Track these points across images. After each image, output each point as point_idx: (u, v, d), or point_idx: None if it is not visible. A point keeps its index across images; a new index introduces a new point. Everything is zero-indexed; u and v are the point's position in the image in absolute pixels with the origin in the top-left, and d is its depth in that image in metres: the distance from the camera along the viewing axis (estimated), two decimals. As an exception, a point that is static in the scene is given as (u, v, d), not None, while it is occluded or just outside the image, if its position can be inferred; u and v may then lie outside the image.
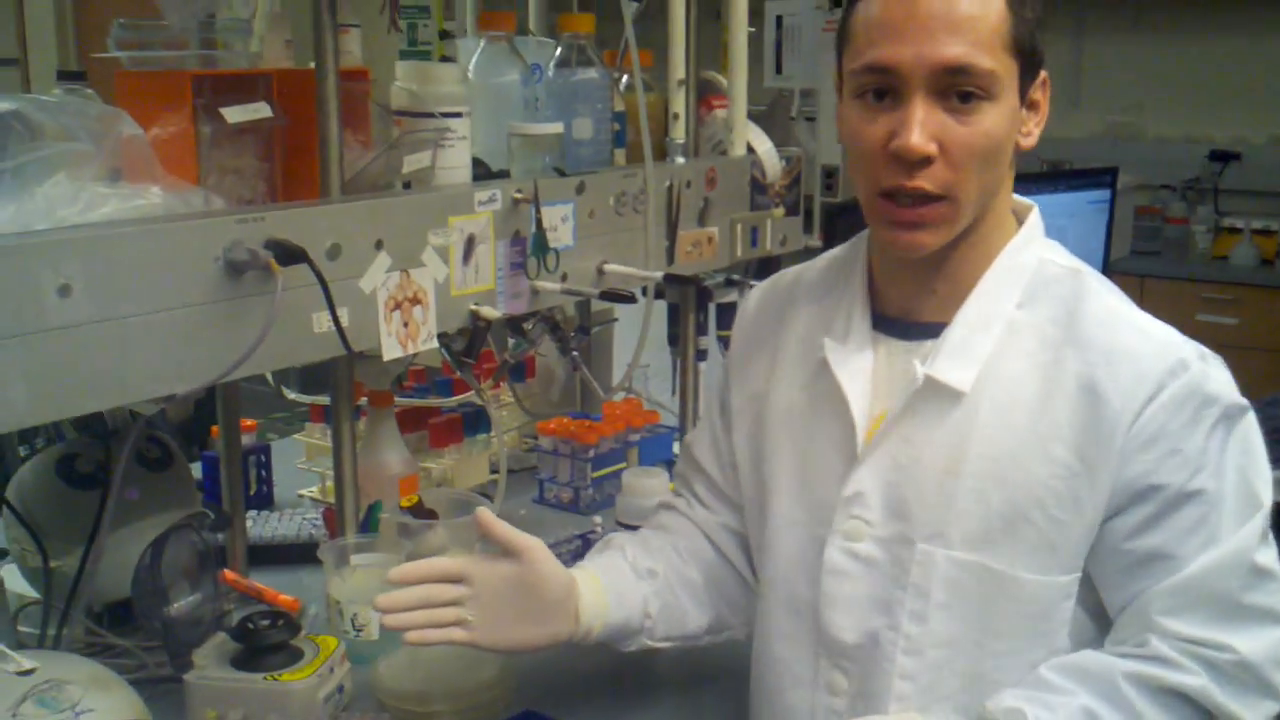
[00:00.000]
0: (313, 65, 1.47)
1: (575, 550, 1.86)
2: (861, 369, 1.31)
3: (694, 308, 2.14)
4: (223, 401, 1.69)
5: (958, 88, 1.17)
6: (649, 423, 2.25)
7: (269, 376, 1.94)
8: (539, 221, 1.65)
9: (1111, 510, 1.21)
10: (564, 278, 1.71)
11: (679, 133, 1.94)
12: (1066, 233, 2.91)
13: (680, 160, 1.94)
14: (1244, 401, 1.24)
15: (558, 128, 1.75)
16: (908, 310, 1.32)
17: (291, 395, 2.04)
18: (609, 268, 1.78)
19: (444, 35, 2.32)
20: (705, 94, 2.10)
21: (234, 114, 1.43)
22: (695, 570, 1.49)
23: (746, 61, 2.01)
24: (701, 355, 2.20)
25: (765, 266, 2.50)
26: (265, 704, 1.35)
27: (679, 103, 1.93)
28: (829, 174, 4.26)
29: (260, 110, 1.46)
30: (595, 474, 2.10)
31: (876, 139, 1.20)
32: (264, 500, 2.11)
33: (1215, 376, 1.23)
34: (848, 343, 1.33)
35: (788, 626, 1.35)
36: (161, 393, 1.25)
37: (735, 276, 2.19)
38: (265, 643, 1.40)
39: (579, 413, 2.27)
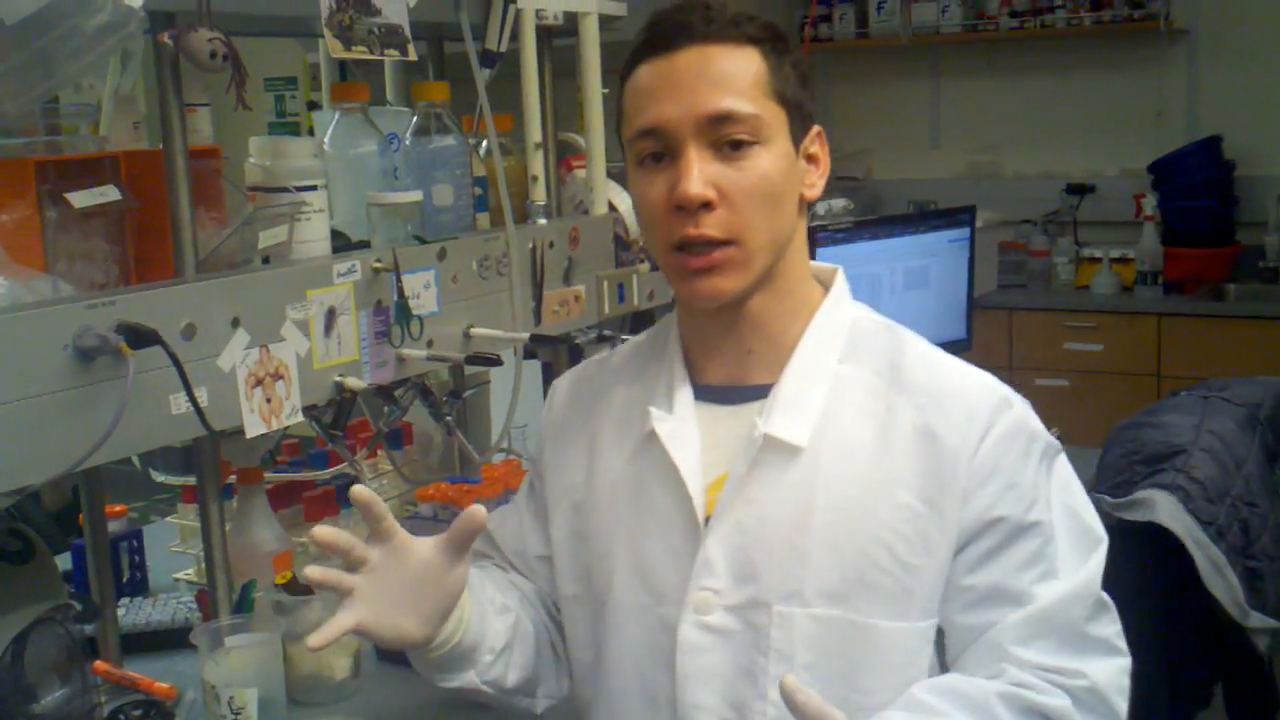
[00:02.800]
0: (161, 146, 1.46)
1: (457, 616, 1.85)
2: (690, 438, 1.30)
3: (566, 366, 2.15)
4: (86, 488, 1.66)
5: (727, 136, 1.22)
6: (528, 483, 2.25)
7: (135, 459, 1.90)
8: (400, 290, 1.65)
9: (958, 547, 1.24)
10: (430, 344, 1.71)
11: (539, 194, 1.96)
12: (930, 271, 2.99)
13: (542, 221, 1.96)
14: (1057, 442, 1.30)
15: (416, 196, 1.76)
16: (726, 375, 1.33)
17: (159, 478, 2.00)
18: (476, 331, 1.79)
19: (312, 106, 2.32)
20: (565, 155, 2.14)
21: (80, 199, 1.41)
22: (526, 623, 1.42)
23: (603, 121, 2.04)
24: (577, 412, 2.21)
25: (638, 321, 2.53)
26: (138, 797, 1.32)
27: (537, 165, 1.96)
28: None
29: (108, 194, 1.44)
30: (476, 538, 2.09)
31: (659, 197, 1.25)
32: (138, 586, 2.06)
33: (1032, 416, 1.29)
34: (673, 412, 1.32)
35: (644, 715, 1.31)
36: (13, 486, 1.23)
37: (606, 332, 2.21)
38: (136, 734, 1.37)
39: (458, 477, 2.26)
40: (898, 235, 2.94)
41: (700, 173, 1.21)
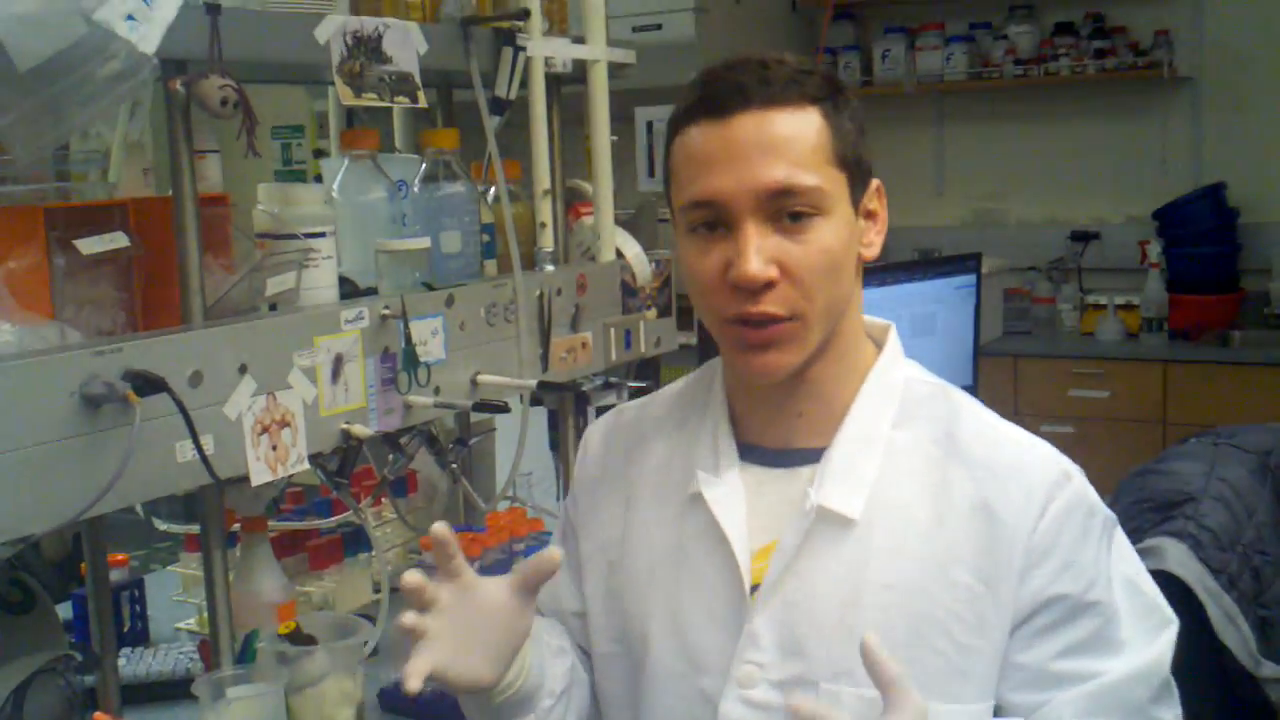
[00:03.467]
0: (170, 193, 1.46)
1: (462, 666, 1.83)
2: (737, 502, 1.25)
3: (573, 412, 2.14)
4: (88, 537, 1.64)
5: (787, 209, 1.16)
6: (533, 531, 2.23)
7: (139, 508, 1.89)
8: (408, 337, 1.65)
9: (1014, 625, 1.19)
10: (437, 391, 1.70)
11: (547, 241, 1.96)
12: (937, 318, 2.99)
13: (550, 268, 1.95)
14: (1112, 514, 1.25)
15: (424, 243, 1.76)
16: (774, 437, 1.27)
17: (163, 526, 1.99)
18: (483, 378, 1.78)
19: (318, 154, 2.33)
20: (573, 201, 2.14)
21: (89, 245, 1.41)
22: (583, 669, 1.39)
23: (611, 168, 2.05)
24: (583, 460, 2.20)
25: (645, 368, 2.53)
26: None
27: (545, 212, 1.96)
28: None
29: (117, 240, 1.44)
30: (481, 586, 2.07)
31: (714, 270, 1.19)
32: (139, 636, 2.05)
33: (1090, 489, 1.23)
34: (719, 474, 1.27)
35: None
36: (17, 535, 1.21)
37: (613, 379, 2.20)
38: (137, 788, 1.35)
39: (462, 525, 2.24)
40: (904, 282, 2.94)
41: (760, 250, 1.16)
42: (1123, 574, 1.22)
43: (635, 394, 2.49)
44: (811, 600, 1.19)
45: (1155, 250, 4.73)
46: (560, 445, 2.16)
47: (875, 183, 1.26)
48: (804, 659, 1.19)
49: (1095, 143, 5.04)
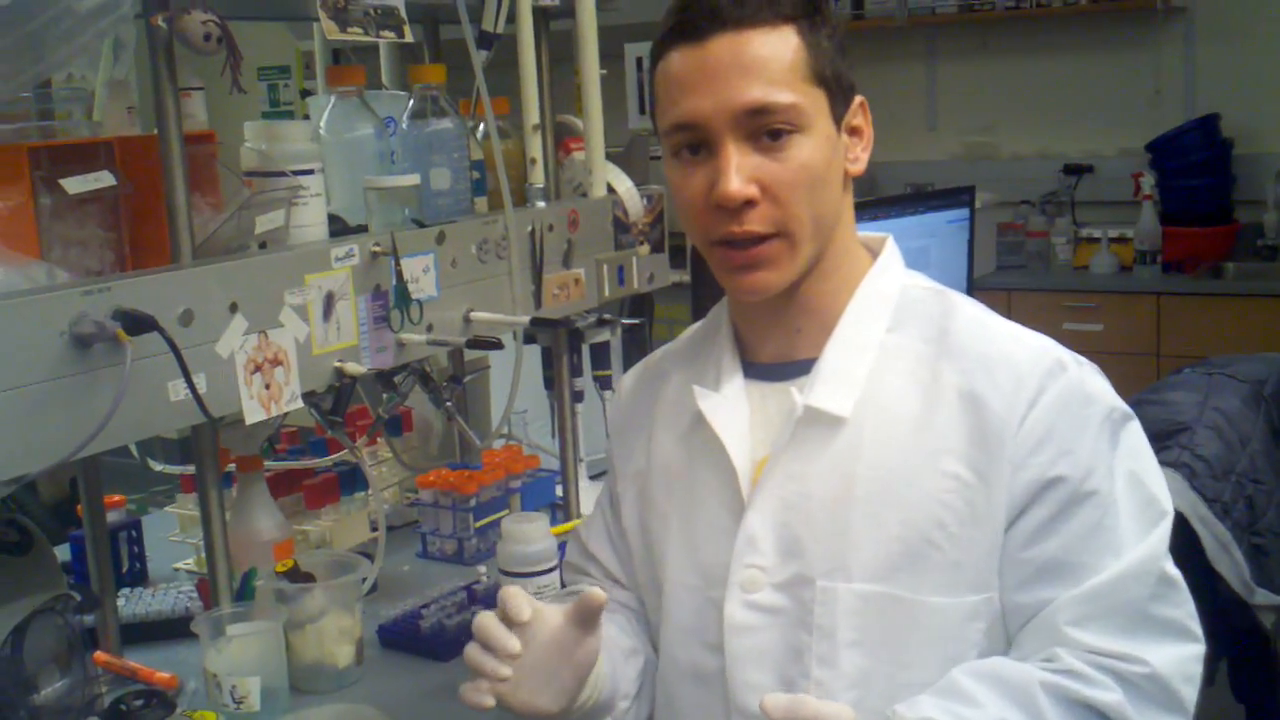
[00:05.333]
0: (156, 130, 1.45)
1: (460, 602, 1.84)
2: (737, 413, 1.28)
3: (566, 350, 2.14)
4: (84, 479, 1.64)
5: (765, 128, 1.18)
6: (529, 468, 2.24)
7: (133, 449, 1.89)
8: (399, 274, 1.64)
9: (1011, 518, 1.18)
10: (430, 328, 1.70)
11: (537, 177, 1.94)
12: (930, 252, 2.98)
13: (541, 204, 1.94)
14: (1126, 408, 1.23)
15: (414, 179, 1.74)
16: (774, 352, 1.30)
17: (158, 467, 1.99)
18: (475, 315, 1.78)
19: (306, 94, 2.31)
20: (563, 137, 2.12)
21: (74, 184, 1.40)
22: (653, 657, 1.39)
23: (601, 103, 2.02)
24: (578, 397, 2.20)
25: (638, 304, 2.52)
26: (142, 787, 1.31)
27: (535, 147, 1.94)
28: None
29: (102, 179, 1.43)
30: (478, 524, 2.08)
31: (698, 192, 1.21)
32: (138, 577, 2.05)
33: (1092, 380, 1.22)
34: (720, 390, 1.30)
35: (694, 701, 1.28)
36: (10, 475, 1.21)
37: (607, 316, 2.19)
38: (139, 724, 1.36)
39: (458, 463, 2.25)
40: (897, 216, 2.92)
41: (739, 169, 1.17)
42: (1128, 469, 1.20)
43: (629, 331, 2.49)
44: (806, 500, 1.21)
45: (1149, 183, 4.71)
46: (555, 383, 2.15)
47: (859, 99, 1.26)
48: (801, 559, 1.21)
49: (1088, 75, 5.00)
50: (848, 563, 1.19)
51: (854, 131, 1.27)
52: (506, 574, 1.71)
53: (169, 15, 1.39)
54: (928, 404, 1.21)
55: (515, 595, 1.22)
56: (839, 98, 1.23)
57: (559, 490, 2.22)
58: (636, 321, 2.49)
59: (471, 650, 1.23)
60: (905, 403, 1.21)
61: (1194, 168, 4.64)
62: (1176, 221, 4.64)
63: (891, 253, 1.32)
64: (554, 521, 2.10)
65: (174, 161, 1.44)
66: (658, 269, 2.18)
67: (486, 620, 1.22)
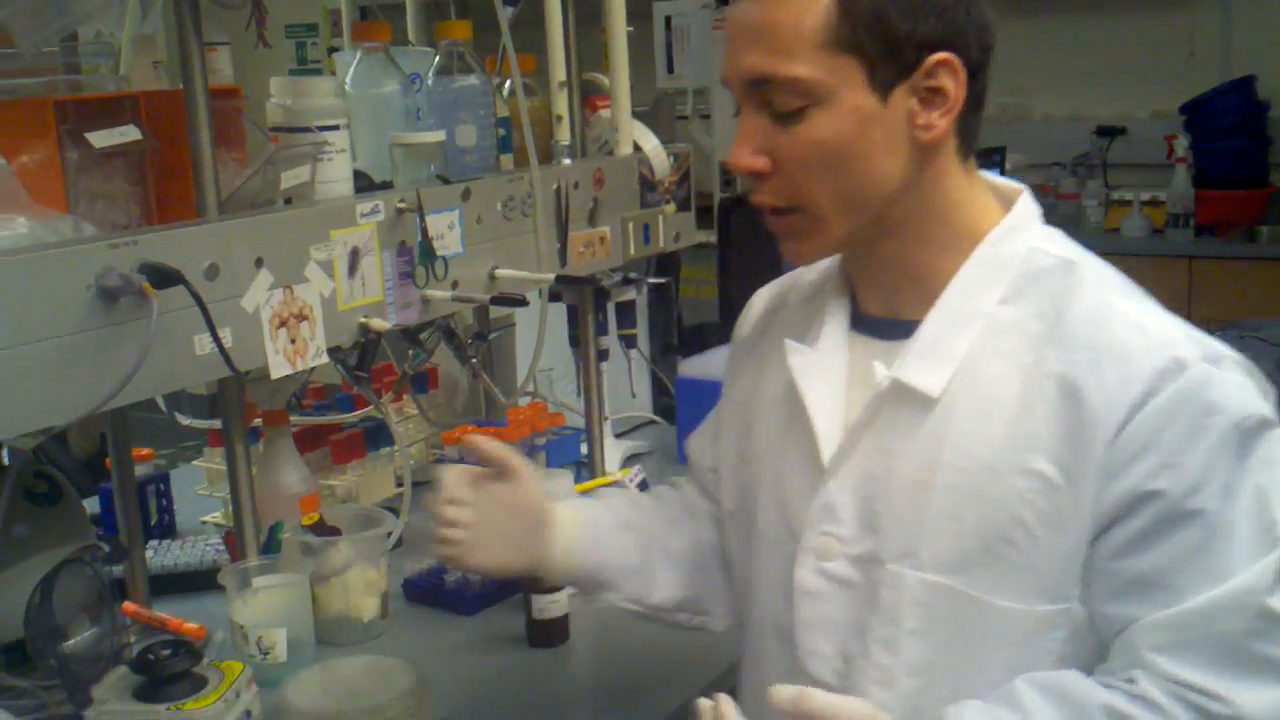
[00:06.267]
0: (181, 85, 1.45)
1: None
2: (829, 373, 1.20)
3: (592, 308, 2.14)
4: (112, 432, 1.66)
5: (768, 98, 1.10)
6: (554, 425, 2.25)
7: (161, 403, 1.91)
8: (424, 230, 1.64)
9: (1099, 528, 1.07)
10: (455, 285, 1.70)
11: (563, 134, 1.94)
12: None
13: (566, 162, 1.94)
14: (1265, 413, 1.06)
15: (439, 136, 1.74)
16: (882, 307, 1.21)
17: (185, 421, 2.01)
18: (500, 273, 1.78)
19: (333, 52, 2.30)
20: (589, 95, 2.11)
21: (100, 139, 1.40)
22: (679, 541, 1.40)
23: (627, 60, 2.02)
24: (604, 355, 2.20)
25: (664, 263, 2.52)
26: (169, 735, 1.33)
27: (561, 105, 1.93)
28: (727, 170, 4.30)
29: (128, 134, 1.43)
30: (502, 481, 2.09)
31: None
32: (166, 529, 2.07)
33: (1224, 381, 1.06)
34: (818, 345, 1.22)
35: (772, 650, 1.24)
36: (37, 426, 1.23)
37: (632, 275, 2.19)
38: (166, 672, 1.37)
39: (483, 420, 2.26)
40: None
41: (749, 137, 1.12)
42: (1254, 484, 1.05)
43: (654, 289, 2.49)
44: (890, 477, 1.13)
45: (1182, 145, 4.65)
46: (580, 341, 2.16)
47: (938, 57, 1.09)
48: (877, 536, 1.14)
49: (1122, 36, 4.94)
50: (919, 550, 1.11)
51: (930, 93, 1.11)
52: (530, 530, 1.72)
53: (194, -31, 1.39)
54: (1026, 392, 1.09)
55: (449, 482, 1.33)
56: (889, 62, 1.09)
57: (584, 448, 2.23)
58: (662, 280, 2.49)
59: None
60: (1002, 388, 1.10)
61: (1228, 130, 4.58)
62: (1210, 184, 4.59)
63: (1024, 209, 1.18)
64: (579, 479, 2.11)
65: (199, 116, 1.44)
66: (684, 228, 2.17)
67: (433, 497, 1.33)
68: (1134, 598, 1.06)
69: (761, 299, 1.41)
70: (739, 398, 1.35)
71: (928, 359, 1.13)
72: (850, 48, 1.08)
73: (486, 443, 1.35)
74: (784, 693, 1.05)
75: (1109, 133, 4.93)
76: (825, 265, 1.31)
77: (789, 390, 1.23)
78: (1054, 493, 1.07)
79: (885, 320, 1.20)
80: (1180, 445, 1.04)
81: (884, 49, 1.09)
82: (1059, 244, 1.18)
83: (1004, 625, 1.09)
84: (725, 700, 1.09)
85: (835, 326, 1.23)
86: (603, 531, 1.36)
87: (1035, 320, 1.12)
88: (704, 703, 1.10)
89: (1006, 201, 1.19)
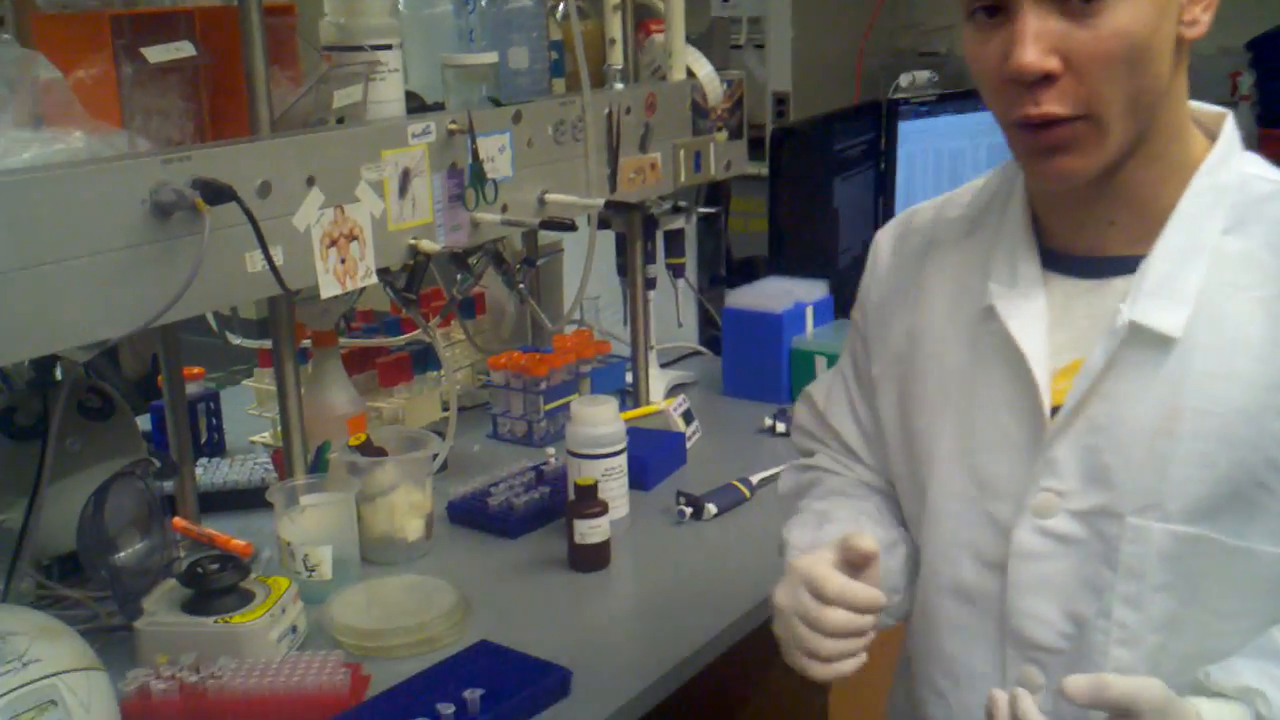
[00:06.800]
0: (236, 2, 1.44)
1: (529, 482, 1.86)
2: (1036, 316, 1.11)
3: (640, 236, 2.13)
4: (164, 348, 1.67)
5: None
6: (600, 353, 2.25)
7: (212, 322, 1.92)
8: (475, 153, 1.63)
9: None
10: (504, 209, 1.69)
11: (616, 58, 1.92)
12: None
13: (619, 86, 1.92)
14: None
15: (492, 57, 1.73)
16: (1082, 244, 1.12)
17: (236, 340, 2.02)
18: (550, 197, 1.77)
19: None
20: (643, 19, 2.08)
21: (155, 54, 1.40)
22: (906, 539, 1.28)
23: (683, -16, 1.99)
24: (651, 283, 2.20)
25: (714, 193, 2.50)
26: (217, 647, 1.35)
27: (615, 28, 1.92)
28: (780, 100, 4.25)
29: (183, 49, 1.43)
30: (547, 406, 2.10)
31: (992, 62, 1.02)
32: (216, 448, 2.10)
33: None
34: (1016, 286, 1.13)
35: (958, 618, 1.17)
36: (91, 339, 1.24)
37: (682, 203, 2.18)
38: (215, 586, 1.39)
39: (530, 346, 2.26)
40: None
41: (1038, 37, 0.98)
42: None
43: (704, 219, 2.48)
44: (1120, 425, 1.06)
45: (1246, 82, 4.54)
46: (628, 269, 2.15)
47: None
48: (1109, 489, 1.07)
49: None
50: (1165, 500, 1.04)
51: None
52: (575, 455, 1.73)
53: (249, -117, 1.37)
54: (1272, 328, 1.03)
55: (859, 535, 1.09)
56: None
57: (629, 377, 2.23)
58: (713, 210, 2.47)
59: (798, 611, 1.09)
60: (1245, 325, 1.04)
61: (1296, 67, 4.48)
62: (1276, 124, 4.48)
63: (1231, 135, 1.11)
64: (624, 407, 2.11)
65: (253, 33, 1.44)
66: (735, 156, 2.15)
67: (827, 575, 1.08)
68: None
69: (888, 241, 1.30)
70: (893, 352, 1.25)
71: (1161, 298, 1.05)
72: None
73: (868, 541, 1.10)
74: (1079, 684, 0.97)
75: (1171, 69, 4.83)
76: (972, 201, 1.24)
77: (982, 335, 1.15)
78: None
79: (1084, 258, 1.12)
80: None
81: None
82: (1269, 169, 1.12)
83: (1258, 570, 1.05)
84: (1024, 695, 1.00)
85: (1029, 265, 1.13)
86: (887, 574, 1.20)
87: (1266, 251, 1.06)
88: (998, 695, 1.01)
89: (1204, 128, 1.12)
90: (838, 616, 1.07)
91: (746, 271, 2.79)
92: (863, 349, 1.30)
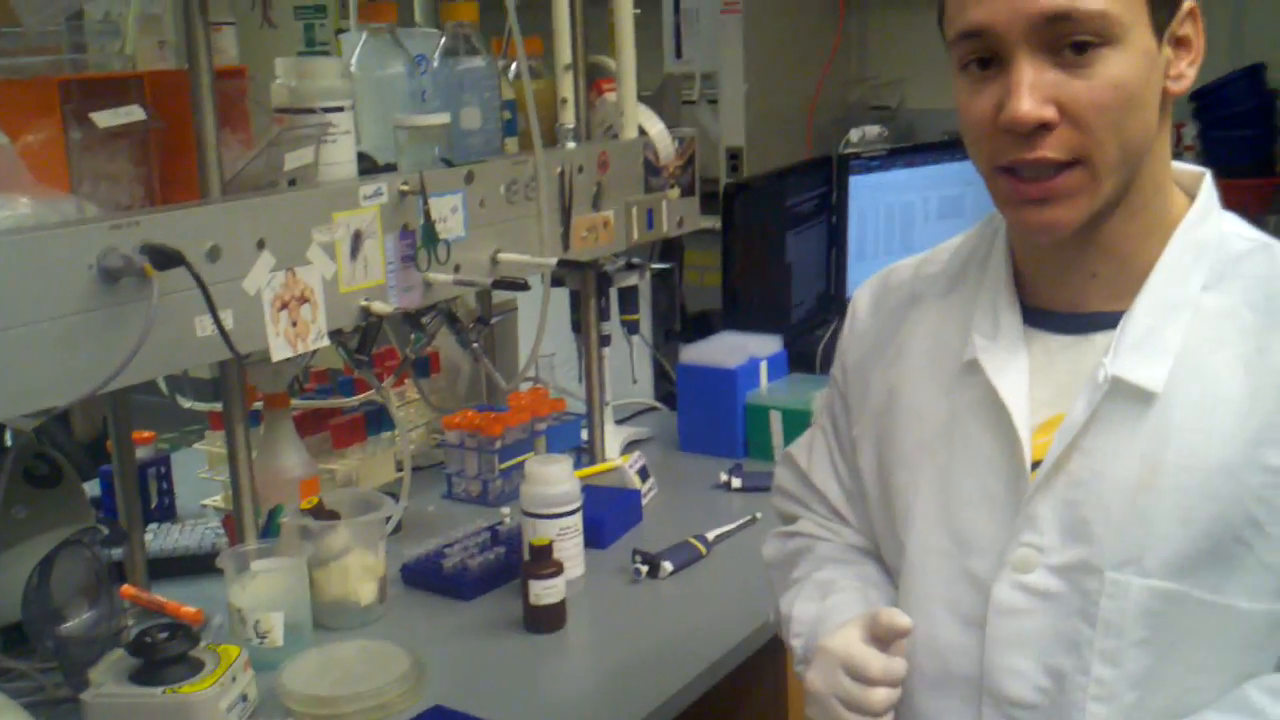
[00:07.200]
0: (186, 66, 1.44)
1: (484, 543, 1.85)
2: (1019, 370, 1.11)
3: (594, 293, 2.13)
4: (113, 414, 1.65)
5: (1067, 38, 1.00)
6: (555, 411, 2.24)
7: (162, 384, 1.90)
8: (427, 213, 1.63)
9: None
10: (457, 268, 1.69)
11: (568, 117, 1.93)
12: (966, 200, 2.94)
13: (571, 145, 1.93)
14: None
15: (444, 118, 1.73)
16: (1063, 299, 1.13)
17: (186, 404, 2.00)
18: (503, 256, 1.77)
19: (341, 33, 2.29)
20: (595, 78, 2.10)
21: (105, 118, 1.40)
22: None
23: (633, 44, 2.01)
24: (605, 340, 2.20)
25: (668, 249, 2.51)
26: (166, 718, 1.33)
27: (567, 87, 1.93)
28: (734, 155, 4.28)
29: (133, 114, 1.43)
30: (502, 465, 2.09)
31: (984, 112, 1.04)
32: (166, 512, 2.07)
33: None
34: (999, 339, 1.13)
35: (934, 674, 1.15)
36: (37, 407, 1.23)
37: (636, 260, 2.19)
38: (163, 656, 1.37)
39: (485, 405, 2.25)
40: (932, 164, 2.90)
41: (1034, 87, 1.00)
42: None
43: (658, 275, 2.49)
44: (1100, 480, 1.07)
45: (1190, 133, 4.63)
46: (582, 326, 2.15)
47: (1189, 4, 1.06)
48: (1089, 544, 1.07)
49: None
50: (1144, 556, 1.04)
51: (1180, 43, 1.07)
52: (529, 515, 1.72)
53: (199, -52, 1.38)
54: (1252, 384, 1.04)
55: (893, 612, 1.11)
56: (1163, 2, 1.04)
57: (584, 434, 2.22)
58: (666, 266, 2.49)
59: (839, 694, 1.11)
60: (1225, 381, 1.05)
61: (1237, 118, 4.55)
62: (1218, 173, 4.47)
63: (1210, 193, 1.14)
64: (579, 465, 2.11)
65: (204, 96, 1.44)
66: (688, 213, 2.16)
67: (868, 655, 1.10)
68: None
69: (866, 299, 1.31)
70: (872, 408, 1.25)
71: (1143, 352, 1.06)
72: None
73: (903, 618, 1.11)
74: None
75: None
76: (951, 257, 1.25)
77: (963, 390, 1.16)
78: None
79: (1066, 314, 1.13)
80: None
81: None
82: (1247, 227, 1.14)
83: (1234, 626, 1.05)
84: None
85: (1010, 320, 1.14)
86: None
87: (1246, 309, 1.07)
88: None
89: (1183, 186, 1.14)
90: (882, 696, 1.09)
91: (702, 326, 2.80)
92: (842, 408, 1.30)
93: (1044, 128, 1.01)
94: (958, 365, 1.16)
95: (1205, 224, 1.11)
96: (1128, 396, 1.06)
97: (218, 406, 1.94)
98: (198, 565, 1.81)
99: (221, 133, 1.47)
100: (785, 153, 3.75)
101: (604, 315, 2.18)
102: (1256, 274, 1.08)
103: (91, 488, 1.92)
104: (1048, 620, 1.08)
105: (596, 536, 1.88)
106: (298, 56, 1.69)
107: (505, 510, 1.94)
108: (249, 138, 1.58)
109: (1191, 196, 1.13)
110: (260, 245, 1.42)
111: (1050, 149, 1.02)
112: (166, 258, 1.28)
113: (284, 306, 1.45)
